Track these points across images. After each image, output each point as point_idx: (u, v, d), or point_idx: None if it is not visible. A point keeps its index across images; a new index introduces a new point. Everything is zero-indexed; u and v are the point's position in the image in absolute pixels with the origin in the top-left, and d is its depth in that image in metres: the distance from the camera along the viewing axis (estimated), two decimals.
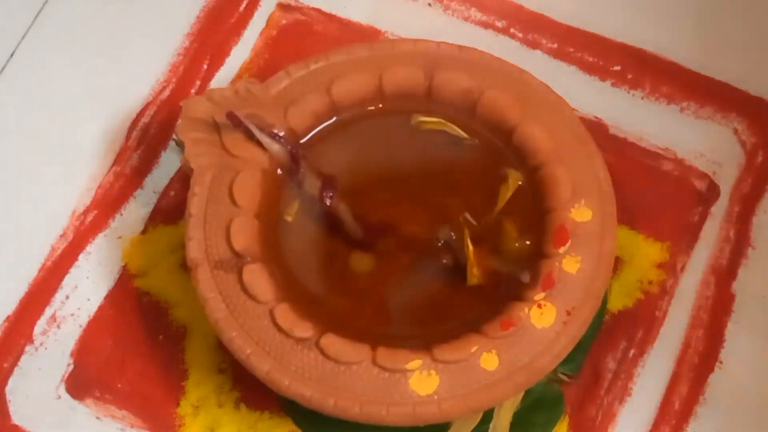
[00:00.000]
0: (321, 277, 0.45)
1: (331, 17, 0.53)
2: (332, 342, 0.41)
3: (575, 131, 0.45)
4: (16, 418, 0.46)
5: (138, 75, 0.52)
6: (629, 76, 0.52)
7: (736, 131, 0.50)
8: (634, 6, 0.53)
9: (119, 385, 0.46)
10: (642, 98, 0.51)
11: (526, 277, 0.42)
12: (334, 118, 0.47)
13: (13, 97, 0.52)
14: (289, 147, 0.45)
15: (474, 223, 0.45)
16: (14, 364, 0.47)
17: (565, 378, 0.46)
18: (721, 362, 0.46)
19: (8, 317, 0.47)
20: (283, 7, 0.53)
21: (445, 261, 0.45)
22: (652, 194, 0.49)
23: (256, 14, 0.53)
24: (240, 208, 0.44)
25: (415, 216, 0.46)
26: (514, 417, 0.45)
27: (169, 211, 0.49)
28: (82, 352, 0.47)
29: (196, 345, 0.47)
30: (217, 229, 0.44)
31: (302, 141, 0.47)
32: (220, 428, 0.45)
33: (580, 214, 0.44)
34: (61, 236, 0.49)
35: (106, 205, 0.49)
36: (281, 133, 0.46)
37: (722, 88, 0.51)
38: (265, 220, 0.45)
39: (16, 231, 0.49)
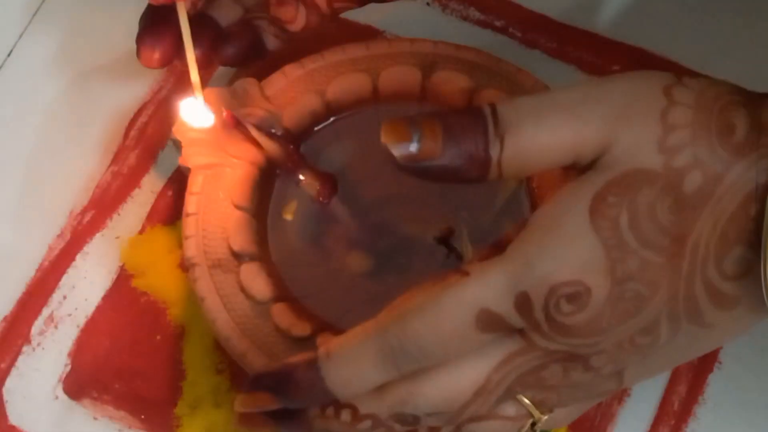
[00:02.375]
0: (319, 277, 0.45)
1: (322, 24, 0.53)
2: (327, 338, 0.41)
3: None
4: (13, 419, 0.46)
5: (136, 74, 0.51)
6: None
7: None
8: (633, 5, 0.53)
9: (117, 386, 0.46)
10: None
11: None
12: (332, 118, 0.47)
13: (11, 97, 0.52)
14: (287, 146, 0.45)
15: (473, 223, 0.45)
16: (11, 364, 0.47)
17: None
18: (720, 362, 0.46)
19: (5, 317, 0.47)
20: None
21: (443, 261, 0.45)
22: None
23: None
24: (238, 208, 0.44)
25: (414, 216, 0.46)
26: None
27: (167, 211, 0.49)
28: (80, 352, 0.47)
29: (194, 345, 0.47)
30: (214, 229, 0.44)
31: (300, 140, 0.47)
32: (217, 429, 0.45)
33: None
34: (59, 236, 0.49)
35: (103, 204, 0.49)
36: (279, 133, 0.46)
37: None
38: (263, 220, 0.45)
39: (14, 231, 0.49)
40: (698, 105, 0.34)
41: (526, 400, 0.37)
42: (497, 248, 0.35)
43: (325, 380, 0.36)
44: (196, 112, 0.44)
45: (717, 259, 0.34)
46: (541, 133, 0.35)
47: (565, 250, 0.33)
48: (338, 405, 0.37)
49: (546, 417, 0.38)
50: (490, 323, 0.34)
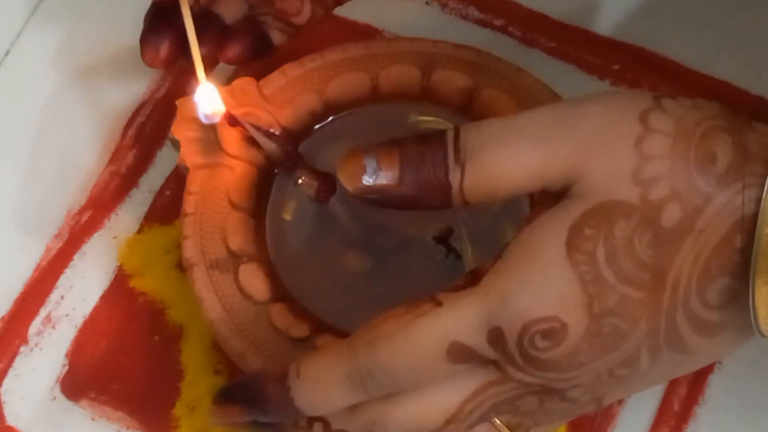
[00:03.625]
0: (317, 277, 0.44)
1: (327, 15, 0.53)
2: (328, 342, 0.41)
3: None
4: (10, 420, 0.46)
5: (134, 74, 0.51)
6: (628, 75, 0.51)
7: None
8: (633, 4, 0.53)
9: (115, 387, 0.46)
10: None
11: None
12: (331, 118, 0.47)
13: (8, 96, 0.51)
14: (286, 146, 0.45)
15: (472, 222, 0.45)
16: (9, 365, 0.46)
17: None
18: (720, 363, 0.46)
19: (3, 318, 0.47)
20: None
21: (442, 261, 0.44)
22: None
23: None
24: (236, 208, 0.44)
25: (413, 216, 0.45)
26: None
27: (165, 211, 0.49)
28: (78, 352, 0.47)
29: (192, 346, 0.46)
30: (213, 229, 0.44)
31: (298, 140, 0.46)
32: (215, 429, 0.45)
33: None
34: (56, 236, 0.49)
35: (101, 204, 0.49)
36: (277, 132, 0.46)
37: (722, 88, 0.51)
38: (261, 220, 0.45)
39: (11, 231, 0.49)
40: (677, 133, 0.33)
41: (500, 423, 0.36)
42: (473, 278, 0.34)
43: (295, 400, 0.35)
44: (204, 105, 0.44)
45: (699, 291, 0.33)
46: (504, 159, 0.34)
47: (540, 285, 0.33)
48: (311, 418, 0.36)
49: None
50: (461, 355, 0.34)
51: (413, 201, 0.35)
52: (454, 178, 0.34)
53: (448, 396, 0.35)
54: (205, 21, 0.45)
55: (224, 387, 0.38)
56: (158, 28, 0.45)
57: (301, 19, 0.46)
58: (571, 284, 0.32)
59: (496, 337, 0.33)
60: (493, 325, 0.33)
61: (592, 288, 0.32)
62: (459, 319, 0.33)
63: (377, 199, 0.35)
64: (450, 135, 0.34)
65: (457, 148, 0.34)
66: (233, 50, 0.46)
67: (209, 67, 0.44)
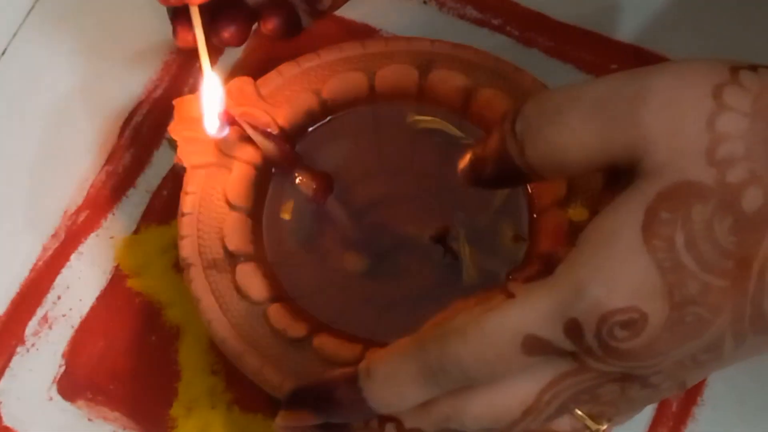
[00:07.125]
0: (315, 277, 0.44)
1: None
2: (326, 342, 0.41)
3: None
4: (7, 420, 0.45)
5: (131, 73, 0.51)
6: None
7: None
8: (632, 4, 0.53)
9: (111, 387, 0.46)
10: None
11: None
12: (328, 117, 0.47)
13: (5, 95, 0.51)
14: (283, 146, 0.45)
15: (470, 222, 0.45)
16: (5, 365, 0.46)
17: None
18: None
19: None
20: None
21: (440, 261, 0.44)
22: None
23: None
24: (233, 208, 0.44)
25: (411, 215, 0.45)
26: None
27: (162, 211, 0.49)
28: (74, 353, 0.47)
29: (189, 346, 0.46)
30: (210, 229, 0.44)
31: (296, 140, 0.46)
32: (213, 430, 0.45)
33: (577, 213, 0.43)
34: (53, 236, 0.48)
35: (98, 204, 0.49)
36: (275, 132, 0.45)
37: None
38: (259, 220, 0.45)
39: (8, 230, 0.49)
40: (755, 112, 0.31)
41: (582, 414, 0.35)
42: (546, 267, 0.33)
43: (367, 400, 0.35)
44: (211, 116, 0.44)
45: None
46: (560, 133, 0.33)
47: (616, 274, 0.31)
48: (382, 418, 0.36)
49: (605, 427, 0.36)
50: (537, 348, 0.33)
51: (495, 180, 0.36)
52: (516, 154, 0.34)
53: (525, 387, 0.34)
54: (233, 2, 0.45)
55: (293, 391, 0.37)
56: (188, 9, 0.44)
57: (324, 5, 0.46)
58: (649, 272, 0.31)
59: (572, 329, 0.32)
60: (569, 317, 0.32)
61: (671, 276, 0.31)
62: (533, 312, 0.32)
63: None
64: (514, 110, 0.34)
65: (515, 120, 0.34)
66: (272, 22, 0.46)
67: (240, 43, 0.45)
